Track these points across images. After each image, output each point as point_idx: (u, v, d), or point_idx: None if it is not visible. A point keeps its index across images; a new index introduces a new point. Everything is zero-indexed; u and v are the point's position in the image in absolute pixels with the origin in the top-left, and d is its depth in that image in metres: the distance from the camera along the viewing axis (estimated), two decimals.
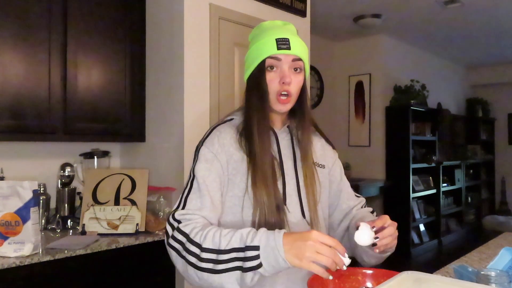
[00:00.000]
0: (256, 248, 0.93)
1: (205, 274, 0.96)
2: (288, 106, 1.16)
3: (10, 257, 1.75)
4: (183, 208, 1.09)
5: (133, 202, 2.32)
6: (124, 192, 2.35)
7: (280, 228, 1.06)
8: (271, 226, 1.06)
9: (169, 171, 2.42)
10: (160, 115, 2.50)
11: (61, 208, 2.36)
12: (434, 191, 5.71)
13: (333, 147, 1.34)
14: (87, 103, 2.31)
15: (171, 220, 1.08)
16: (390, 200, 5.16)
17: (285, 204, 1.14)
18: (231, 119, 1.22)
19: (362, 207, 1.31)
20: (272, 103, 1.15)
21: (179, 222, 1.06)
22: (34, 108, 2.12)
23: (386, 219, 1.06)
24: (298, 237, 0.92)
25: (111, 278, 2.05)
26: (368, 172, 5.39)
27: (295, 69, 1.15)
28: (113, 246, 2.03)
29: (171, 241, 1.05)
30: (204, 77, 2.41)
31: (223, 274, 0.95)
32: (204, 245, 0.98)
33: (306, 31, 3.04)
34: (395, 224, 1.08)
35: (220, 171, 1.12)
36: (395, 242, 1.09)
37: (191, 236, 1.01)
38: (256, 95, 1.16)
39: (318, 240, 0.90)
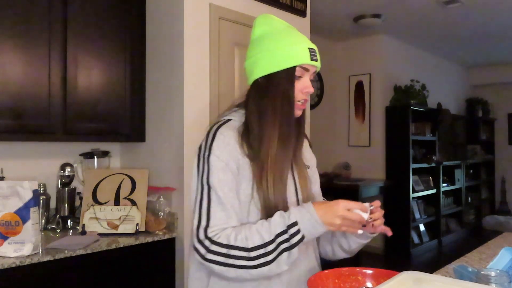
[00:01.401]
0: (295, 224, 1.02)
1: (259, 270, 1.01)
2: (302, 112, 1.20)
3: (10, 257, 1.75)
4: (208, 222, 1.07)
5: (133, 202, 2.32)
6: (124, 192, 2.35)
7: None
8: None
9: (169, 171, 2.42)
10: (160, 115, 2.50)
11: (61, 208, 2.36)
12: (434, 191, 5.71)
13: (311, 146, 1.37)
14: (87, 103, 2.31)
15: (201, 238, 1.06)
16: (390, 200, 5.16)
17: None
18: (229, 120, 1.18)
19: None
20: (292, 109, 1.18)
21: (210, 239, 1.05)
22: (34, 108, 2.12)
23: (379, 203, 1.12)
24: (327, 209, 1.03)
25: (111, 278, 2.05)
26: (368, 172, 5.39)
27: (311, 81, 1.18)
28: (113, 246, 2.03)
29: (210, 256, 1.04)
30: (204, 77, 2.41)
31: (274, 261, 1.01)
32: (249, 245, 1.01)
33: (306, 31, 3.04)
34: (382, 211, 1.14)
35: (232, 178, 1.10)
36: (383, 225, 1.13)
37: (231, 243, 1.02)
38: (280, 101, 1.12)
39: (344, 209, 1.02)
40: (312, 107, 5.15)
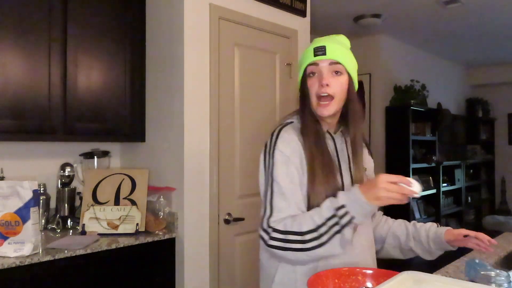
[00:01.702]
0: (343, 206, 1.09)
1: (315, 251, 1.11)
2: (330, 109, 1.24)
3: (10, 257, 1.75)
4: (271, 212, 1.18)
5: (133, 202, 2.32)
6: (124, 192, 2.35)
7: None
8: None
9: (169, 171, 2.42)
10: (160, 115, 2.50)
11: (61, 208, 2.36)
12: (434, 191, 5.71)
13: (369, 149, 1.46)
14: (87, 103, 2.31)
15: (264, 226, 1.18)
16: None
17: None
18: (291, 122, 1.30)
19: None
20: (315, 108, 1.24)
21: (272, 227, 1.16)
22: (34, 108, 2.12)
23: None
24: (370, 185, 1.08)
25: (111, 278, 2.05)
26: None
27: (336, 72, 1.23)
28: (113, 246, 2.03)
29: (272, 242, 1.15)
30: (204, 77, 2.41)
31: (328, 243, 1.09)
32: (303, 229, 1.11)
33: (306, 31, 3.04)
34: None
35: (295, 171, 1.20)
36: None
37: (288, 229, 1.13)
38: (301, 100, 1.28)
39: (386, 181, 1.05)
40: None
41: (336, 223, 1.09)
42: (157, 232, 2.25)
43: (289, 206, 1.17)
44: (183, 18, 2.33)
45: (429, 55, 6.27)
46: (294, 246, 1.12)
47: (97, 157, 2.55)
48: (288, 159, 1.20)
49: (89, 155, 2.53)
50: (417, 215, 5.43)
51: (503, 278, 1.04)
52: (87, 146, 2.59)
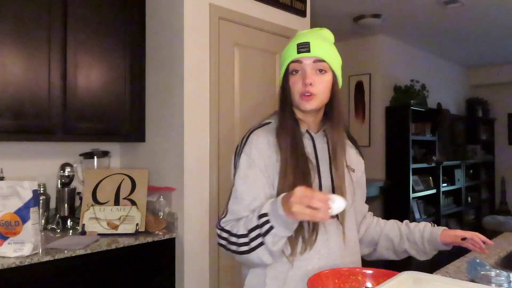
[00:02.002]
0: (266, 215, 1.05)
1: (247, 256, 1.09)
2: (312, 104, 1.18)
3: (10, 257, 1.75)
4: (225, 214, 1.19)
5: (133, 202, 2.32)
6: (124, 192, 2.35)
7: (314, 228, 1.16)
8: (305, 224, 1.15)
9: (169, 171, 2.42)
10: (160, 115, 2.50)
11: (61, 208, 2.36)
12: (434, 191, 5.71)
13: (359, 150, 1.41)
14: (87, 103, 2.31)
15: (217, 226, 1.20)
16: (390, 200, 5.15)
17: None
18: (269, 123, 1.26)
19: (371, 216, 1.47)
20: (297, 103, 1.20)
21: (222, 228, 1.17)
22: (34, 108, 2.12)
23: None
24: (288, 197, 0.99)
25: (111, 278, 2.05)
26: (368, 172, 5.28)
27: (320, 71, 1.18)
28: (113, 246, 2.03)
29: (219, 240, 1.17)
30: (204, 77, 2.41)
31: (257, 250, 1.07)
32: (239, 233, 1.10)
33: None
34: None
35: (260, 175, 1.17)
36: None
37: (232, 231, 1.13)
38: (282, 98, 1.23)
39: (299, 196, 0.96)
40: None
41: (260, 232, 1.06)
42: (157, 232, 2.25)
43: (239, 210, 1.15)
44: (183, 18, 2.33)
45: (429, 55, 6.27)
46: (232, 248, 1.12)
47: (97, 157, 2.55)
48: (252, 162, 1.17)
49: (89, 155, 2.53)
50: (417, 215, 5.43)
51: (503, 278, 1.04)
52: (87, 146, 2.59)
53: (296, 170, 1.15)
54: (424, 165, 5.51)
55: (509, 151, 7.44)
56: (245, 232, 1.09)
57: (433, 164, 5.62)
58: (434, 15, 4.47)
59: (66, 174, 2.41)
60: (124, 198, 2.34)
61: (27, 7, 2.10)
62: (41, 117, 2.15)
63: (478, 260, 1.27)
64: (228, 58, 2.53)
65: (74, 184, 2.45)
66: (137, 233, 2.21)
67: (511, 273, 1.11)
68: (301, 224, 1.12)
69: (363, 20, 4.55)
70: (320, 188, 1.20)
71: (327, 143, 1.25)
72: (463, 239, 1.29)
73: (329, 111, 1.24)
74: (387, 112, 5.33)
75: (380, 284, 0.89)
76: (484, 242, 1.28)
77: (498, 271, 1.06)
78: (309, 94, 1.16)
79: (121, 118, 2.46)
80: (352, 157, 1.32)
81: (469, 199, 6.75)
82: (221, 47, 2.49)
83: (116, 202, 2.32)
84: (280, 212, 1.00)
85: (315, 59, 1.17)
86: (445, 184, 6.00)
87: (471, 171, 6.95)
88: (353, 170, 1.30)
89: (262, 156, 1.18)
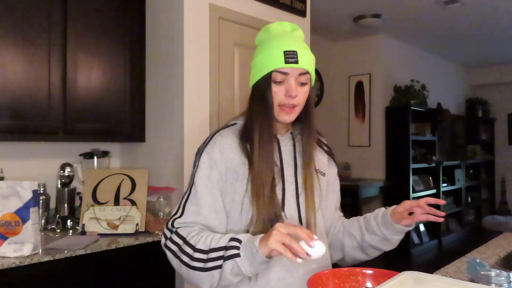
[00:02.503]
0: (239, 241, 1.00)
1: (196, 273, 1.04)
2: (292, 117, 1.16)
3: (10, 257, 1.75)
4: (181, 214, 1.14)
5: (133, 202, 2.32)
6: (124, 192, 2.35)
7: None
8: (268, 232, 1.05)
9: (169, 171, 2.42)
10: (160, 115, 2.50)
11: (61, 208, 2.36)
12: (434, 191, 5.71)
13: (332, 155, 1.34)
14: (87, 103, 2.31)
15: (169, 226, 1.14)
16: (390, 200, 5.12)
17: (283, 211, 1.14)
18: (234, 124, 1.23)
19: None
20: (276, 114, 1.15)
21: (175, 228, 1.12)
22: (34, 108, 2.12)
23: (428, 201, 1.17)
24: (270, 231, 0.96)
25: (111, 278, 2.05)
26: (368, 172, 5.39)
27: (302, 84, 1.14)
28: (113, 246, 2.03)
29: (168, 243, 1.12)
30: (204, 77, 2.41)
31: (211, 271, 1.01)
32: (197, 246, 1.05)
33: (306, 31, 3.04)
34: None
35: (218, 177, 1.15)
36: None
37: (188, 238, 1.08)
38: (260, 105, 1.15)
39: (280, 231, 0.93)
40: None
41: (223, 254, 1.00)
42: (157, 232, 2.25)
43: (198, 212, 1.12)
44: (183, 18, 2.33)
45: (429, 55, 6.27)
46: (184, 259, 1.06)
47: (97, 157, 2.55)
48: (214, 163, 1.14)
49: (89, 155, 2.53)
50: None
51: (503, 278, 1.04)
52: (87, 146, 2.59)
53: (260, 174, 1.11)
54: (424, 165, 5.52)
55: (509, 151, 7.45)
56: (204, 248, 1.03)
57: (433, 164, 5.62)
58: (434, 15, 4.47)
59: (66, 174, 2.41)
60: (124, 198, 2.34)
61: (27, 7, 2.10)
62: (41, 117, 2.15)
63: (478, 260, 1.27)
64: (228, 58, 2.53)
65: (74, 184, 2.45)
66: (137, 233, 2.21)
67: (511, 273, 1.11)
68: (263, 228, 1.08)
69: (363, 20, 4.56)
70: (284, 193, 1.16)
71: (293, 146, 1.21)
72: (411, 213, 1.18)
73: (302, 115, 1.19)
74: (387, 112, 5.34)
75: (380, 284, 0.88)
76: (436, 208, 1.16)
77: (498, 271, 1.06)
78: (290, 106, 1.13)
79: (121, 118, 2.46)
80: (323, 161, 1.28)
81: (469, 199, 6.76)
82: (221, 47, 2.49)
83: (116, 202, 2.32)
84: (255, 244, 0.96)
85: (301, 72, 1.12)
86: (445, 184, 6.01)
87: (471, 171, 6.95)
88: (324, 174, 1.25)
89: (224, 157, 1.15)
